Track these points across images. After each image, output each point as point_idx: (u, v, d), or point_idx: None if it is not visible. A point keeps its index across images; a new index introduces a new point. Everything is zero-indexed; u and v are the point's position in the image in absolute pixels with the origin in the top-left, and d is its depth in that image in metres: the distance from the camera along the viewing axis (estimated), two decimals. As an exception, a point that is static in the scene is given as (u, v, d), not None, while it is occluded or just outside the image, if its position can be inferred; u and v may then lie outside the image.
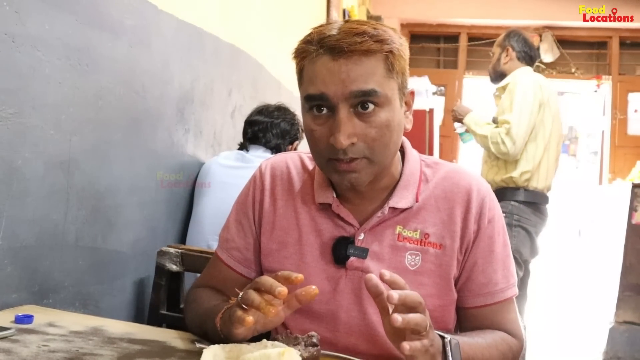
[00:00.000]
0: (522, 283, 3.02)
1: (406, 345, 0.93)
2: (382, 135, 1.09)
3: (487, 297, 1.20)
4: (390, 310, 0.98)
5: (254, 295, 0.99)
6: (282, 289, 0.96)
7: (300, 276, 0.99)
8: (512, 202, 3.01)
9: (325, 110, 1.09)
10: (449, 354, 1.01)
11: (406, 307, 0.95)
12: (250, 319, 0.98)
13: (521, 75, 3.09)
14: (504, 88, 3.13)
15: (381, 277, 0.96)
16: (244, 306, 1.00)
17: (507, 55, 3.21)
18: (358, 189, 1.17)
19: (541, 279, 5.69)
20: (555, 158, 3.12)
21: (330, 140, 1.07)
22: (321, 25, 1.13)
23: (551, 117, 3.06)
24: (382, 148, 1.10)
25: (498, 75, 3.27)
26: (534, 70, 3.24)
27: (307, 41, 1.11)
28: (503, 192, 3.02)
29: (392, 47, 1.08)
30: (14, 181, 1.38)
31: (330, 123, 1.08)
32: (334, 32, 1.08)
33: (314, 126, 1.11)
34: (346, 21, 1.12)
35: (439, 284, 1.18)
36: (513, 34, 3.26)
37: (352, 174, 1.11)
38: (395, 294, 0.93)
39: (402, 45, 1.12)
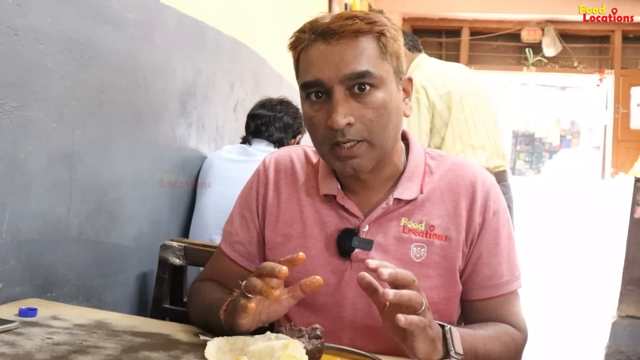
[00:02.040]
0: None
1: (401, 316, 0.93)
2: (379, 116, 1.09)
3: (491, 289, 1.20)
4: (387, 304, 0.98)
5: (256, 281, 0.99)
6: (283, 268, 0.96)
7: (301, 254, 0.99)
8: None
9: (322, 96, 1.10)
10: (450, 341, 1.01)
11: (398, 285, 0.96)
12: (252, 305, 0.98)
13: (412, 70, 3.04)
14: None
15: (367, 266, 0.96)
16: (247, 295, 1.00)
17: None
18: (361, 176, 1.17)
19: (544, 273, 5.69)
20: (477, 142, 2.98)
21: (328, 123, 1.08)
22: (315, 17, 1.15)
23: (454, 104, 2.96)
24: (380, 129, 1.10)
25: None
26: (533, 64, 3.20)
27: (301, 31, 1.13)
28: None
29: (383, 28, 1.10)
30: (17, 175, 1.38)
31: (327, 107, 1.09)
32: (326, 19, 1.10)
33: (312, 113, 1.12)
34: (341, 13, 1.14)
35: (444, 276, 1.18)
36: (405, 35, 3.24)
37: (353, 160, 1.11)
38: (385, 271, 0.94)
39: (394, 29, 1.13)
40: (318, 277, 1.01)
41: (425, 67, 3.05)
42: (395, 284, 0.96)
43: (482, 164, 2.93)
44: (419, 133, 2.93)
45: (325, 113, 1.09)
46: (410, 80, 1.18)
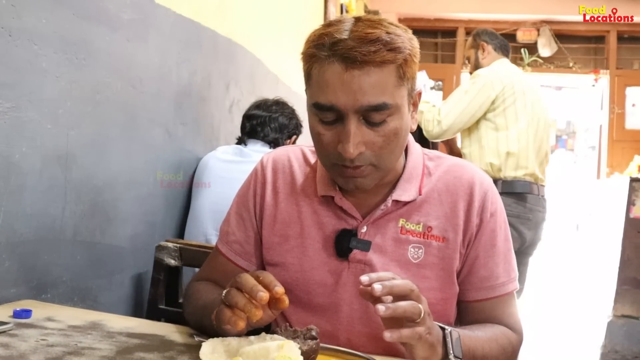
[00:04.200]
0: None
1: (387, 333, 0.93)
2: (389, 143, 1.08)
3: (488, 290, 1.21)
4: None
5: (239, 297, 0.97)
6: (263, 295, 0.94)
7: (280, 290, 0.97)
8: None
9: (333, 118, 1.07)
10: (450, 344, 1.01)
11: (397, 297, 0.95)
12: (242, 322, 0.97)
13: (487, 68, 3.09)
14: None
15: (361, 284, 0.95)
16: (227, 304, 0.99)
17: (484, 51, 3.21)
18: (363, 191, 1.17)
19: (539, 273, 5.70)
20: (536, 147, 3.06)
21: (339, 149, 1.06)
22: (330, 25, 1.08)
23: (523, 107, 3.02)
24: (388, 155, 1.10)
25: None
26: (529, 65, 3.25)
27: (318, 45, 1.06)
28: None
29: (405, 55, 1.05)
30: (12, 176, 1.38)
31: (339, 130, 1.07)
32: (345, 35, 1.03)
33: (321, 130, 1.09)
34: (357, 19, 1.07)
35: (441, 277, 1.18)
36: (481, 31, 3.28)
37: (357, 179, 1.11)
38: (377, 287, 0.92)
39: (414, 48, 1.08)
40: (286, 299, 0.98)
41: (504, 69, 3.08)
42: (393, 295, 0.95)
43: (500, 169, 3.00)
44: (457, 115, 3.00)
45: (336, 136, 1.07)
46: (419, 94, 1.16)
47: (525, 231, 3.00)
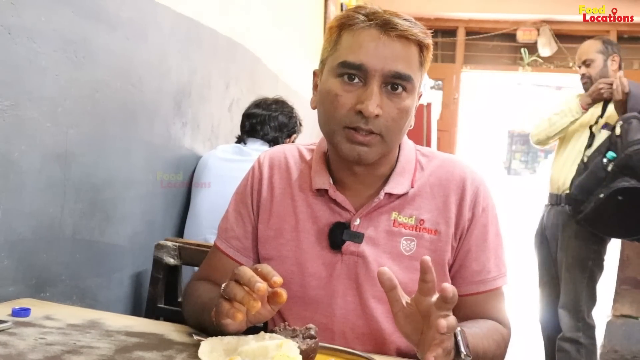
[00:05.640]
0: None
1: (430, 357, 0.92)
2: (400, 118, 1.13)
3: (479, 284, 1.22)
4: (404, 303, 0.98)
5: (237, 290, 0.98)
6: (261, 285, 0.95)
7: (278, 280, 0.98)
8: None
9: (356, 80, 1.12)
10: (461, 347, 1.00)
11: (449, 303, 0.93)
12: (240, 314, 0.98)
13: None
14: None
15: (422, 263, 0.94)
16: (227, 298, 1.00)
17: (613, 61, 3.21)
18: (360, 167, 1.18)
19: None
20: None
21: (358, 107, 1.10)
22: (359, 7, 1.16)
23: None
24: (397, 130, 1.14)
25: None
26: (529, 64, 3.25)
27: (352, 16, 1.13)
28: None
29: (429, 43, 1.15)
30: (11, 174, 1.38)
31: (360, 92, 1.11)
32: (380, 10, 1.13)
33: (340, 91, 1.12)
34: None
35: (433, 270, 1.18)
36: (611, 41, 3.32)
37: (363, 147, 1.12)
38: (450, 288, 0.91)
39: (431, 45, 1.17)
40: (284, 293, 1.00)
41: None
42: (447, 303, 0.93)
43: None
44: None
45: (355, 97, 1.11)
46: (420, 95, 1.21)
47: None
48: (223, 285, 1.02)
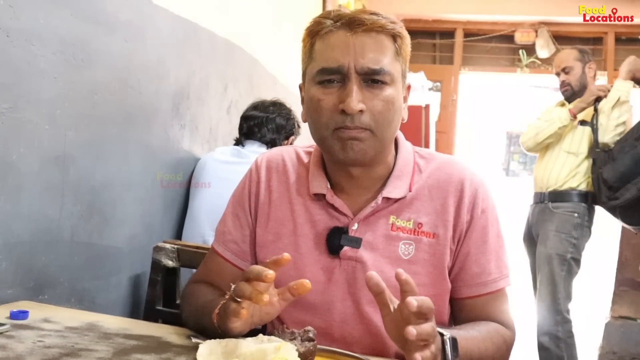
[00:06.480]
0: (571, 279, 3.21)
1: (418, 356, 0.92)
2: (387, 110, 1.13)
3: (480, 287, 1.21)
4: (392, 308, 0.98)
5: (245, 286, 0.99)
6: (270, 272, 0.96)
7: (287, 255, 0.99)
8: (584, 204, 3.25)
9: (335, 82, 1.12)
10: (448, 353, 1.01)
11: (420, 313, 0.93)
12: (244, 311, 0.99)
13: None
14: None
15: (397, 277, 0.94)
16: (237, 299, 1.00)
17: (590, 68, 3.40)
18: (357, 168, 1.18)
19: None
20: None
21: (340, 106, 1.10)
22: (329, 12, 1.18)
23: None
24: (386, 123, 1.13)
25: (581, 89, 3.38)
26: (527, 66, 3.35)
27: (321, 22, 1.15)
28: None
29: (401, 31, 1.16)
30: (9, 176, 1.38)
31: (340, 92, 1.12)
32: (347, 12, 1.14)
33: (321, 96, 1.13)
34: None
35: (432, 273, 1.19)
36: (587, 50, 3.50)
37: (356, 143, 1.12)
38: (414, 302, 0.91)
39: (406, 35, 1.18)
40: (307, 281, 1.01)
41: None
42: (421, 312, 0.93)
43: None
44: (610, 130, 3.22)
45: (336, 97, 1.12)
46: (409, 87, 1.22)
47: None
48: (233, 287, 1.02)
